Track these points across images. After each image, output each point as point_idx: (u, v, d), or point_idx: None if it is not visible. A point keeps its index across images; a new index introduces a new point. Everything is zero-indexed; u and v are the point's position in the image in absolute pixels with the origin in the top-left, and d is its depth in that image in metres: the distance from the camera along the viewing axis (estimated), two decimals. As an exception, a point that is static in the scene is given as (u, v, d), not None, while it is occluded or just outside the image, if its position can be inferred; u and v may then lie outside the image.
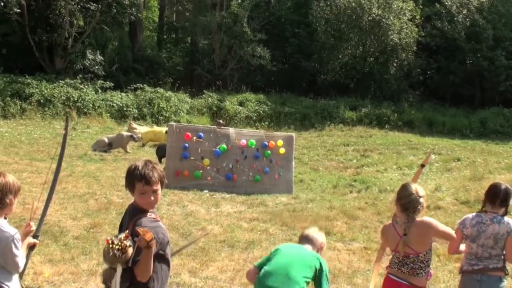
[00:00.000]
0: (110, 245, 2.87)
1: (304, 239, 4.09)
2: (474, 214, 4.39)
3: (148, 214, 3.18)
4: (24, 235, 3.60)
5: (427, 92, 31.42)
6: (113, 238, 2.92)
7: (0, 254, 3.33)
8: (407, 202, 3.91)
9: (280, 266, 3.77)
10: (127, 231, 3.01)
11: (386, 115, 26.19)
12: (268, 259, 3.92)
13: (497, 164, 16.10)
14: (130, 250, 2.92)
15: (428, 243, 3.93)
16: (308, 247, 3.99)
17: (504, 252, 4.24)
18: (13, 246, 3.33)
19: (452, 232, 4.07)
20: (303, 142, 19.93)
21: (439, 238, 4.10)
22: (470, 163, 16.26)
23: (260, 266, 3.90)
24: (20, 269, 3.45)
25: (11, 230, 3.37)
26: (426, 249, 3.92)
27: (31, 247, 3.73)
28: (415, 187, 3.98)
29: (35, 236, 3.76)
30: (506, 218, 4.26)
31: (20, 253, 3.39)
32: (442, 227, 3.99)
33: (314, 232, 4.15)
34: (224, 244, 7.31)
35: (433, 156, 4.68)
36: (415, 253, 3.90)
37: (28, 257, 3.73)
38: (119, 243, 2.87)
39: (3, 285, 3.35)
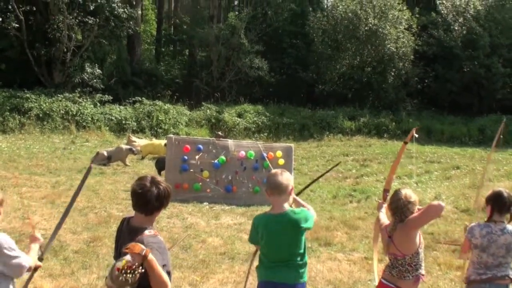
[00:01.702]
0: (123, 274, 2.86)
1: (276, 192, 4.02)
2: (482, 223, 4.33)
3: (148, 230, 3.21)
4: (30, 242, 3.64)
5: (425, 100, 31.52)
6: (124, 267, 2.88)
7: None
8: (395, 206, 4.01)
9: (278, 251, 3.90)
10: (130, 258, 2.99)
11: (385, 124, 26.28)
12: (257, 238, 4.03)
13: (496, 171, 16.11)
14: (138, 274, 2.93)
15: (413, 244, 3.96)
16: (283, 205, 4.03)
17: None
18: (5, 250, 3.29)
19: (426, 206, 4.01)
20: (302, 153, 19.94)
21: (426, 222, 4.12)
22: (469, 170, 16.28)
23: (257, 244, 4.09)
24: (25, 269, 3.41)
25: None
26: (412, 251, 3.95)
27: (34, 269, 3.67)
28: (405, 193, 4.03)
29: (39, 259, 3.71)
30: None
31: (17, 253, 3.35)
32: (418, 213, 3.96)
33: (280, 177, 4.00)
34: (224, 256, 7.29)
35: (416, 135, 4.74)
36: (402, 255, 3.96)
37: (30, 278, 3.72)
38: (132, 271, 2.87)
39: None
